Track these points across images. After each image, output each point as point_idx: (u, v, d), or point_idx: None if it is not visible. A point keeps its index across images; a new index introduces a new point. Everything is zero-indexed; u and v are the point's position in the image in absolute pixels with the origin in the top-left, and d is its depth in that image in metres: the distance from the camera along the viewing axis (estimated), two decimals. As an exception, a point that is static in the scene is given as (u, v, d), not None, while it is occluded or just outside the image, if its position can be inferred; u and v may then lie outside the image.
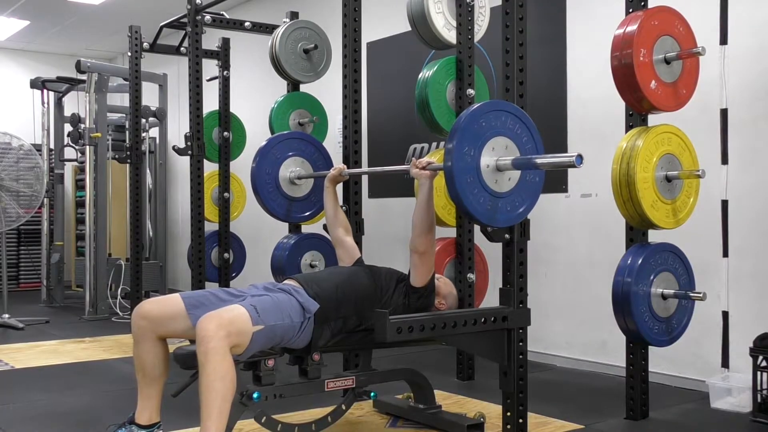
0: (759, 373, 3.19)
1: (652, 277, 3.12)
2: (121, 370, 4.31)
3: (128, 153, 5.92)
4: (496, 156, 2.55)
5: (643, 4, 3.26)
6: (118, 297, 6.62)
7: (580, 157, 2.40)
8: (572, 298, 4.41)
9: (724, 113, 3.54)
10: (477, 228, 3.09)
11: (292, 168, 4.00)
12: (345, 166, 3.50)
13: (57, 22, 8.07)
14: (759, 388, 3.20)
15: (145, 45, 5.76)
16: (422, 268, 2.90)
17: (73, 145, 7.31)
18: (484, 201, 2.53)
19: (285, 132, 4.30)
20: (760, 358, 3.19)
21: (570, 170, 4.37)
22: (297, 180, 4.01)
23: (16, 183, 6.22)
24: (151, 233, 7.40)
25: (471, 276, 3.81)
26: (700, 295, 3.12)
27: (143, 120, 6.80)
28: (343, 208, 3.62)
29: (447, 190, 2.55)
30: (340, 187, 3.60)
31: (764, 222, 3.55)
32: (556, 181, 4.39)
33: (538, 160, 2.55)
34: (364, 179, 5.33)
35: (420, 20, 3.85)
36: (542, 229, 4.23)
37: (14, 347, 5.15)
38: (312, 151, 4.07)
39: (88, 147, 6.65)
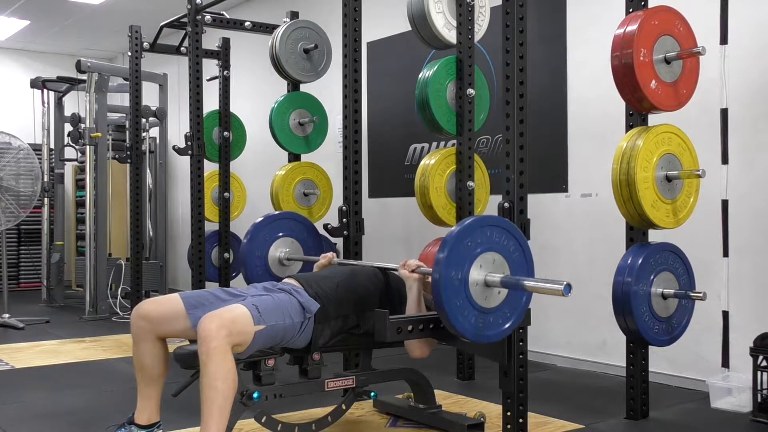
0: (759, 372, 3.19)
1: (652, 277, 3.12)
2: (121, 370, 4.31)
3: (128, 153, 5.91)
4: (485, 272, 2.52)
5: (643, 3, 3.26)
6: (118, 297, 6.62)
7: (568, 287, 2.39)
8: (572, 298, 4.38)
9: (724, 113, 3.54)
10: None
11: (282, 248, 3.94)
12: (335, 255, 3.41)
13: (57, 22, 8.07)
14: (759, 387, 3.20)
15: (145, 45, 5.75)
16: (416, 353, 2.91)
17: (73, 144, 7.31)
18: (475, 320, 2.51)
19: (276, 212, 4.19)
20: (760, 357, 3.19)
21: (570, 169, 4.37)
22: (286, 261, 3.96)
23: (15, 183, 6.22)
24: (151, 233, 7.40)
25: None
26: (700, 294, 3.11)
27: (143, 120, 6.80)
28: (343, 208, 3.61)
29: (434, 300, 2.49)
30: (340, 188, 3.59)
31: (764, 222, 3.55)
32: (556, 180, 4.39)
33: (527, 283, 2.52)
34: (364, 179, 5.33)
35: (420, 20, 3.85)
36: (542, 229, 4.23)
37: (14, 347, 5.15)
38: (301, 230, 4.02)
39: (88, 147, 6.64)
